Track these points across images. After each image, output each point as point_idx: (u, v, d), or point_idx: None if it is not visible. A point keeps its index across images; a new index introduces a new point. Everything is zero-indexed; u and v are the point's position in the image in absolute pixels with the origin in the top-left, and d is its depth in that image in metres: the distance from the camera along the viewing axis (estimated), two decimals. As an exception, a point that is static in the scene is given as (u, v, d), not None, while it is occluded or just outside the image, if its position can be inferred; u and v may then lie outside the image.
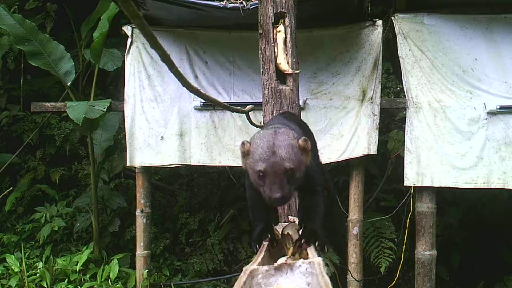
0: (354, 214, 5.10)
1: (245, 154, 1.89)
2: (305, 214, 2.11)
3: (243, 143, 1.89)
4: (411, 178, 4.83)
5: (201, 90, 2.46)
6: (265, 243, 1.97)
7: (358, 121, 4.99)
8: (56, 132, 6.79)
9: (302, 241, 1.90)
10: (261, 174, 1.77)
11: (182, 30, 5.21)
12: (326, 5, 4.70)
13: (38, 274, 5.56)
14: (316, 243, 1.89)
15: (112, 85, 7.16)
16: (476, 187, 4.82)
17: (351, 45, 5.04)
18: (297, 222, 2.31)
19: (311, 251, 1.83)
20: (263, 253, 1.85)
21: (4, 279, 5.57)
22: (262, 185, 1.78)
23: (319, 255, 1.72)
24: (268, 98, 3.28)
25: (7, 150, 6.86)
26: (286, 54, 3.33)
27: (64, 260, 5.73)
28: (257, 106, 4.00)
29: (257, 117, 4.58)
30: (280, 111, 3.20)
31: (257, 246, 1.99)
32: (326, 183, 2.38)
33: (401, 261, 5.14)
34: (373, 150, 4.96)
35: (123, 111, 5.28)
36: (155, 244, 6.11)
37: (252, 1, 4.47)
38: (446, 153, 4.80)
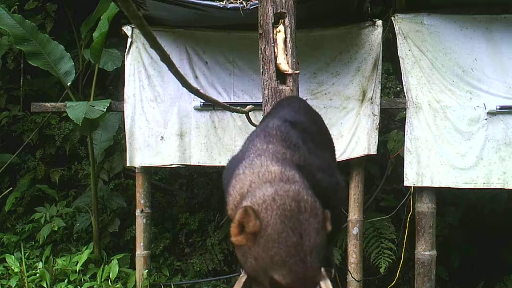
0: (354, 214, 5.10)
1: (251, 235, 1.27)
2: None
3: (246, 213, 1.28)
4: (411, 178, 4.83)
5: (201, 90, 2.46)
6: None
7: (358, 121, 4.99)
8: (56, 132, 6.79)
9: None
10: (277, 286, 1.24)
11: (182, 30, 5.21)
12: (326, 5, 4.70)
13: (38, 274, 5.55)
14: None
15: (112, 85, 7.16)
16: (476, 187, 4.82)
17: (351, 45, 5.04)
18: None
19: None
20: (245, 276, 1.54)
21: (4, 279, 5.57)
22: None
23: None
24: (268, 98, 3.27)
25: (7, 150, 6.86)
26: (286, 54, 3.33)
27: (64, 260, 5.73)
28: (257, 106, 4.00)
29: (257, 117, 4.58)
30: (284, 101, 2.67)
31: (241, 269, 1.60)
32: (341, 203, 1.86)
33: (401, 261, 5.14)
34: (373, 150, 4.96)
35: (123, 111, 5.28)
36: (155, 244, 6.11)
37: (252, 1, 4.47)
38: (446, 153, 4.80)
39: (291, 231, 1.22)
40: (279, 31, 3.34)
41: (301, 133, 1.72)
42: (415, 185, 4.85)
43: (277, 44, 3.33)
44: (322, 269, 1.54)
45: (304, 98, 4.95)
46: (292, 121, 1.80)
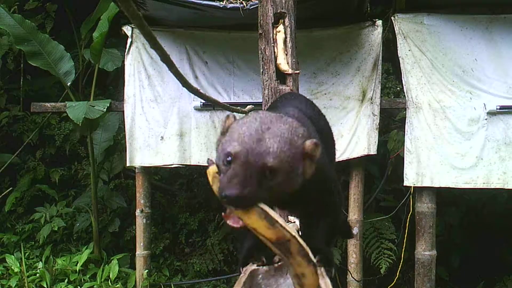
0: (354, 214, 5.10)
1: (224, 130, 1.40)
2: (304, 228, 1.72)
3: (227, 116, 1.43)
4: (411, 178, 4.83)
5: (201, 90, 2.46)
6: (250, 268, 1.59)
7: (358, 121, 4.99)
8: (56, 132, 6.79)
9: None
10: (228, 159, 1.30)
11: (182, 30, 5.21)
12: (326, 5, 4.70)
13: (38, 274, 5.56)
14: (316, 259, 1.49)
15: (112, 85, 7.16)
16: (476, 187, 4.82)
17: (351, 45, 5.04)
18: (297, 223, 2.27)
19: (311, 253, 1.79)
20: (245, 276, 1.55)
21: (4, 279, 5.57)
22: (224, 173, 1.32)
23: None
24: (268, 98, 3.28)
25: (7, 150, 6.86)
26: (286, 54, 3.33)
27: (64, 260, 5.73)
28: (257, 106, 4.00)
29: (257, 117, 4.56)
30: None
31: (241, 269, 1.60)
32: (339, 208, 1.81)
33: (401, 261, 5.15)
34: (373, 150, 4.96)
35: (123, 111, 5.28)
36: (155, 244, 6.11)
37: (252, 1, 4.47)
38: (446, 153, 4.80)
39: (258, 123, 1.33)
40: (279, 31, 3.34)
41: (313, 125, 1.70)
42: (415, 185, 4.85)
43: (277, 44, 3.33)
44: (322, 269, 1.54)
45: (304, 98, 4.97)
46: (305, 111, 1.79)
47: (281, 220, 1.31)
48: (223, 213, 1.36)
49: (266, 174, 1.28)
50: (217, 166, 1.37)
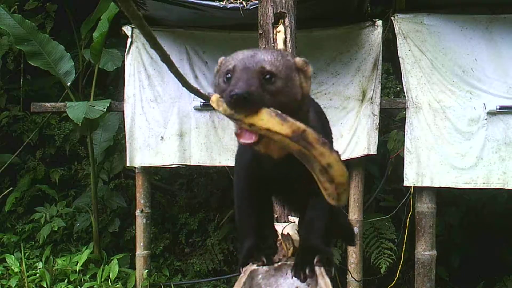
0: (354, 214, 5.09)
1: (218, 69, 1.50)
2: (302, 228, 1.73)
3: (220, 59, 1.53)
4: (411, 178, 4.83)
5: (201, 90, 2.46)
6: (250, 268, 1.58)
7: (358, 121, 4.99)
8: (56, 132, 6.79)
9: (294, 273, 1.54)
10: (228, 75, 1.40)
11: (182, 30, 5.21)
12: (326, 5, 4.70)
13: (38, 274, 5.56)
14: (315, 259, 1.56)
15: (112, 85, 7.16)
16: (476, 187, 4.82)
17: (351, 45, 5.04)
18: (297, 222, 2.26)
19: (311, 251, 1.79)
20: (245, 276, 1.55)
21: (4, 279, 5.57)
22: (225, 90, 1.37)
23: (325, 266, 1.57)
24: (268, 98, 3.27)
25: (7, 150, 6.86)
26: (286, 54, 3.32)
27: (64, 260, 5.73)
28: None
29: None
30: None
31: (241, 269, 1.61)
32: None
33: (401, 261, 5.14)
34: (373, 150, 4.96)
35: (123, 111, 5.28)
36: (155, 244, 6.11)
37: (252, 1, 4.47)
38: (446, 153, 4.79)
39: (250, 50, 1.45)
40: (279, 31, 3.35)
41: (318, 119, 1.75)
42: (415, 185, 4.85)
43: (277, 44, 3.33)
44: (322, 269, 1.54)
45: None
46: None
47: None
48: (235, 133, 1.38)
49: (266, 77, 1.37)
50: (218, 91, 1.44)
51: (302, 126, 1.34)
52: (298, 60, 1.48)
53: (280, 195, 1.94)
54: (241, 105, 1.32)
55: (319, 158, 1.34)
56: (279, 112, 1.34)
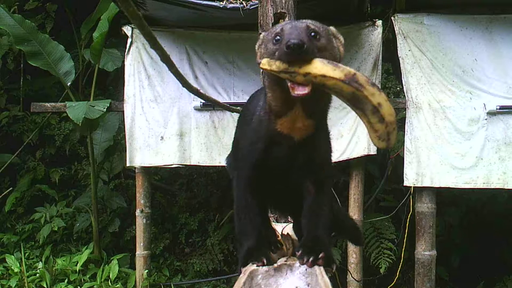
0: (354, 214, 5.09)
1: (262, 40, 1.60)
2: (306, 218, 1.68)
3: (261, 35, 1.64)
4: (411, 178, 4.83)
5: (201, 90, 2.46)
6: (250, 268, 1.56)
7: (358, 121, 4.98)
8: (56, 132, 6.79)
9: (300, 253, 1.56)
10: (277, 37, 1.51)
11: (182, 30, 5.21)
12: (326, 5, 4.70)
13: (38, 274, 5.56)
14: (320, 255, 1.54)
15: (112, 85, 7.16)
16: (476, 187, 4.82)
17: (351, 45, 5.04)
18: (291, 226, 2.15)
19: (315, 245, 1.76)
20: (245, 277, 1.53)
21: (4, 279, 5.57)
22: (276, 50, 1.48)
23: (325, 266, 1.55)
24: (268, 98, 3.27)
25: (7, 150, 6.86)
26: (286, 54, 3.32)
27: (64, 260, 5.73)
28: (257, 106, 3.99)
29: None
30: None
31: (241, 269, 1.59)
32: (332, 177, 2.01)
33: (401, 261, 5.15)
34: (373, 150, 4.96)
35: (123, 111, 5.28)
36: (155, 244, 6.11)
37: (252, 1, 4.47)
38: (446, 153, 4.80)
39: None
40: (279, 31, 3.34)
41: None
42: (415, 185, 4.85)
43: (277, 44, 3.32)
44: (322, 268, 1.54)
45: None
46: None
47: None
48: (289, 84, 1.46)
49: (311, 34, 1.51)
50: (266, 57, 1.51)
51: (352, 70, 1.49)
52: (332, 28, 1.69)
53: (281, 194, 1.90)
54: (297, 54, 1.43)
55: (370, 98, 1.47)
56: (329, 60, 1.49)
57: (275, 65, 1.47)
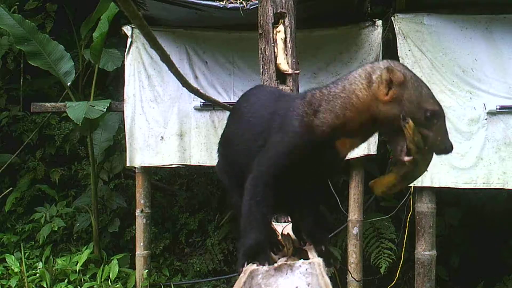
0: (354, 214, 5.10)
1: (398, 84, 1.58)
2: (311, 214, 1.77)
3: (389, 70, 1.58)
4: (411, 178, 4.82)
5: (201, 90, 2.47)
6: (250, 268, 1.55)
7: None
8: (56, 132, 6.79)
9: (315, 238, 1.74)
10: (429, 114, 1.60)
11: (182, 30, 5.21)
12: (326, 5, 4.70)
13: (38, 274, 5.56)
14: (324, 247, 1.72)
15: (112, 85, 7.16)
16: (476, 187, 4.82)
17: (351, 45, 5.04)
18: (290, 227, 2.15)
19: (311, 252, 1.80)
20: (245, 276, 1.52)
21: (4, 279, 5.57)
22: (427, 128, 1.60)
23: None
24: (268, 98, 3.27)
25: (7, 150, 6.86)
26: (286, 54, 3.33)
27: (64, 260, 5.73)
28: (257, 106, 3.99)
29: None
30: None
31: (241, 269, 1.57)
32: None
33: (401, 261, 5.14)
34: (373, 150, 4.96)
35: (123, 111, 5.28)
36: (155, 244, 6.11)
37: (252, 1, 4.47)
38: (446, 153, 4.79)
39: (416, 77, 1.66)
40: (279, 31, 3.35)
41: None
42: (415, 185, 4.85)
43: (277, 44, 3.33)
44: (322, 268, 1.54)
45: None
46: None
47: None
48: (403, 147, 1.63)
49: None
50: (411, 117, 1.57)
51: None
52: None
53: (289, 195, 1.88)
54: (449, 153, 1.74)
55: (416, 171, 1.79)
56: None
57: (417, 137, 1.62)
